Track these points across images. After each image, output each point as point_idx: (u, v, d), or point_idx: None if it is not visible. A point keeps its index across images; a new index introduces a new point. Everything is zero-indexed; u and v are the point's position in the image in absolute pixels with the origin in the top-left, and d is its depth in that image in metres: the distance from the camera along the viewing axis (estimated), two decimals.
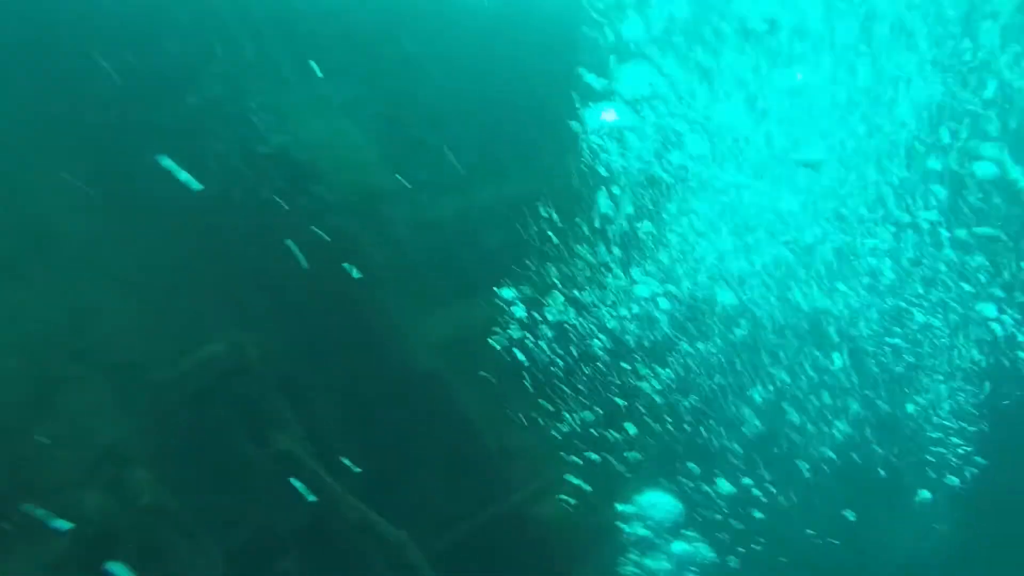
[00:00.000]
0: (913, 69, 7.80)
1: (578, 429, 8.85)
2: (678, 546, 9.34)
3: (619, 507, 8.92)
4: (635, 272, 9.22)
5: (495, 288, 8.63)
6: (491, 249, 10.31)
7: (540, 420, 8.49)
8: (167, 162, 6.90)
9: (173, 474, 7.34)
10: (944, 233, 9.03)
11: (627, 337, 9.29)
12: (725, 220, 9.13)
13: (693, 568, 9.38)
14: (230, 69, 8.02)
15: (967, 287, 9.63)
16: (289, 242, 7.37)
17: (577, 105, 8.51)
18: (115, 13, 7.95)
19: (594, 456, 8.68)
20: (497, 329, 8.41)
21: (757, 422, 10.02)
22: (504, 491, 7.94)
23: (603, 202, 8.90)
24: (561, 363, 8.85)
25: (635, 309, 9.35)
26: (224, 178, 8.01)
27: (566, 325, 8.93)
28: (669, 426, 9.55)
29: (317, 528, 7.21)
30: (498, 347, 8.38)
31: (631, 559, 8.98)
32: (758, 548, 9.95)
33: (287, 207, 7.90)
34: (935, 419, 11.06)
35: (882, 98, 8.06)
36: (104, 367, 7.65)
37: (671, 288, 9.28)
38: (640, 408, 9.37)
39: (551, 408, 8.61)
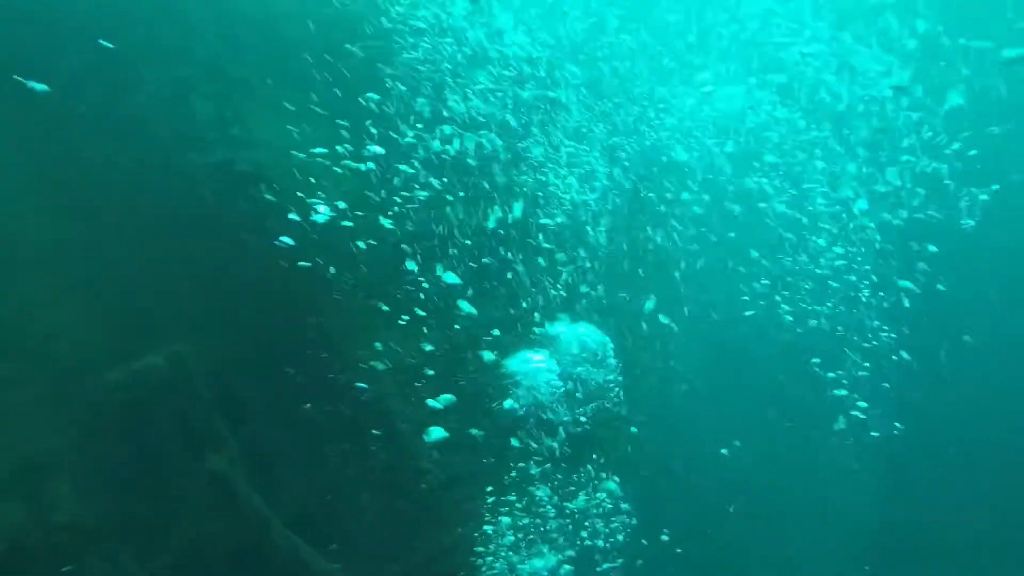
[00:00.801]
0: None
1: None
2: None
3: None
4: None
5: None
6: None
7: None
8: None
9: (97, 490, 6.96)
10: None
11: None
12: None
13: None
14: (187, 69, 7.70)
15: None
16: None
17: None
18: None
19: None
20: None
21: None
22: (444, 524, 7.54)
23: None
24: None
25: None
26: (174, 182, 7.72)
27: None
28: None
29: (245, 557, 6.79)
30: None
31: None
32: None
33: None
34: None
35: None
36: (39, 371, 7.30)
37: None
38: None
39: None
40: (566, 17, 10.01)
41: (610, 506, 8.71)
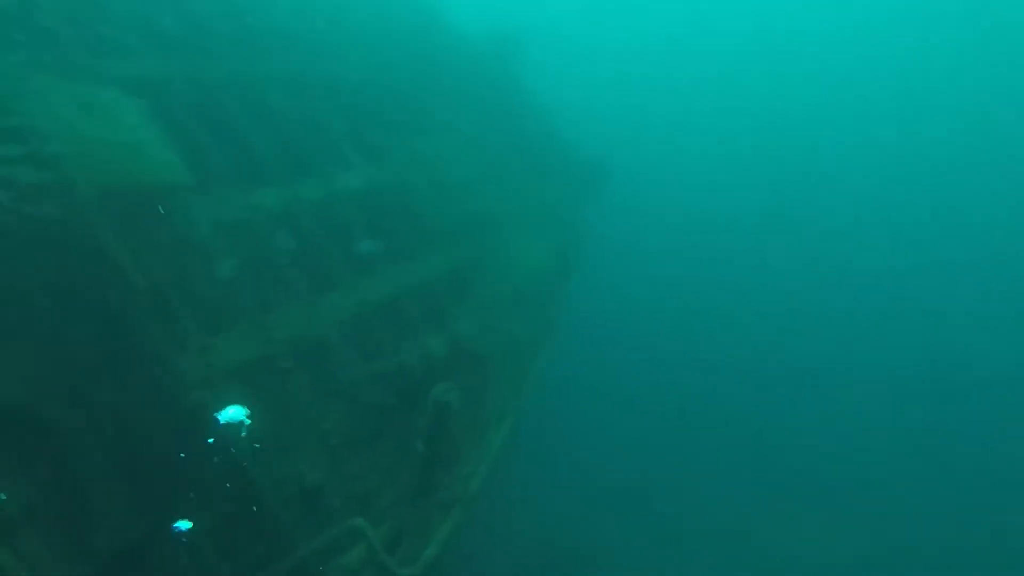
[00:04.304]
0: None
1: None
2: None
3: None
4: None
5: None
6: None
7: None
8: None
9: None
10: None
11: None
12: None
13: None
14: None
15: None
16: None
17: None
18: None
19: None
20: None
21: None
22: (290, 546, 6.69)
23: None
24: None
25: None
26: None
27: None
28: None
29: None
30: None
31: None
32: None
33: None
34: None
35: None
36: None
37: None
38: None
39: None
40: None
41: None
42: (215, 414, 6.44)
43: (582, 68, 45.62)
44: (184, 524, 6.27)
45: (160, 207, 6.98)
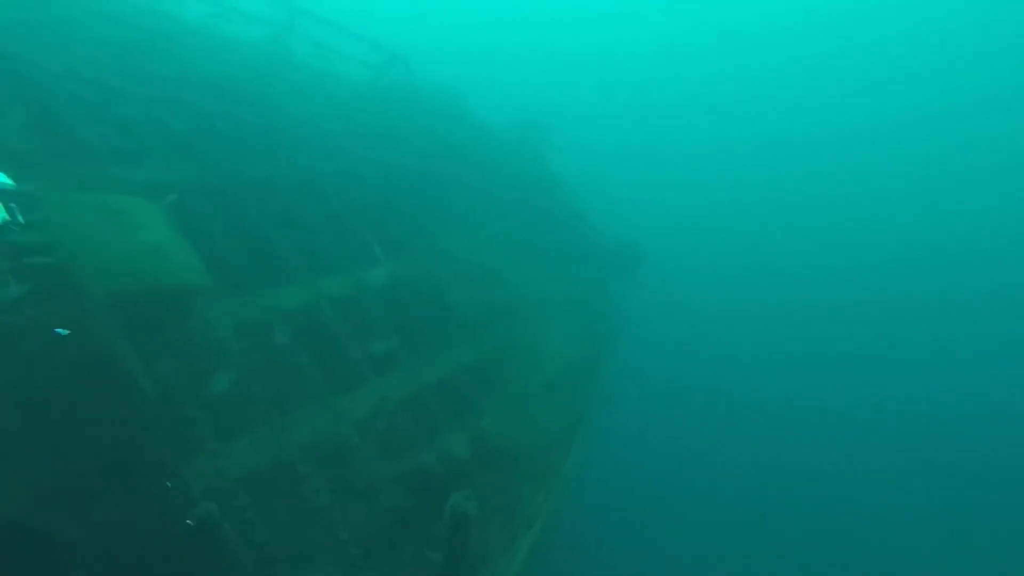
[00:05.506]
0: None
1: None
2: None
3: None
4: None
5: None
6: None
7: None
8: None
9: None
10: None
11: None
12: None
13: None
14: None
15: None
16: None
17: None
18: None
19: None
20: None
21: None
22: None
23: None
24: None
25: None
26: None
27: None
28: None
29: None
30: None
31: None
32: None
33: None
34: None
35: None
36: None
37: None
38: None
39: None
40: None
41: None
42: None
43: (615, 155, 46.19)
44: None
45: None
